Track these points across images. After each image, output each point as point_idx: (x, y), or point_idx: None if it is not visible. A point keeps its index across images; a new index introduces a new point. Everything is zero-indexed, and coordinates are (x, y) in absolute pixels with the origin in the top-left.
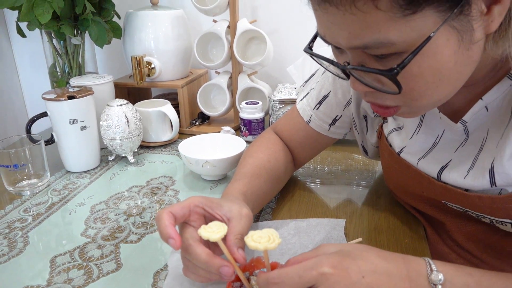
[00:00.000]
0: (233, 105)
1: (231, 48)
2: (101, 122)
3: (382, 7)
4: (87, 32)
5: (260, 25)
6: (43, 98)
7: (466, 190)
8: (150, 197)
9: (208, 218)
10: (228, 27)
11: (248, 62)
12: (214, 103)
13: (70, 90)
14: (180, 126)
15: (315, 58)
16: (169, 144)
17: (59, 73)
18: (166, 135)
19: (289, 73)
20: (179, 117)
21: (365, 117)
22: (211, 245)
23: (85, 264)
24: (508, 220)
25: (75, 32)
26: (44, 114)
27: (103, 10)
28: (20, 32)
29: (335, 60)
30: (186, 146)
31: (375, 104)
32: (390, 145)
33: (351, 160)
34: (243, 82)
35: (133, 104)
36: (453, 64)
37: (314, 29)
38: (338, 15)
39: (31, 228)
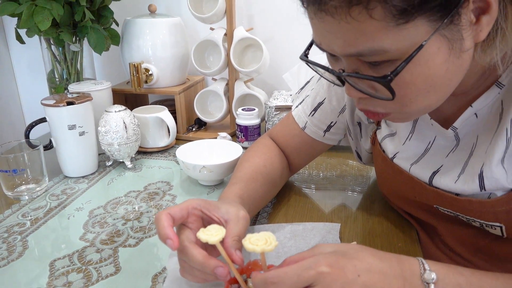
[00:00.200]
0: (229, 111)
1: (228, 55)
2: (99, 128)
3: (376, 16)
4: (85, 38)
5: (256, 33)
6: (42, 104)
7: (457, 194)
8: (148, 202)
9: (206, 220)
10: (225, 34)
11: (244, 69)
12: (210, 109)
13: (69, 96)
14: (177, 132)
15: (310, 65)
16: (166, 150)
17: (57, 79)
18: (163, 141)
19: (285, 80)
20: (176, 123)
21: (359, 124)
22: (208, 247)
23: (84, 267)
24: (497, 224)
25: (74, 39)
26: (43, 120)
27: (102, 18)
28: (19, 38)
29: (330, 67)
30: (184, 152)
31: (367, 110)
32: (384, 151)
33: (345, 166)
34: (240, 88)
35: (131, 110)
36: (444, 72)
37: (310, 37)
38: (334, 23)
39: (30, 233)
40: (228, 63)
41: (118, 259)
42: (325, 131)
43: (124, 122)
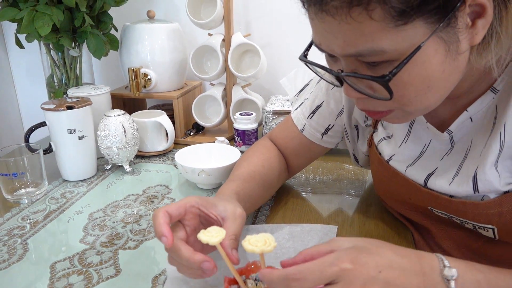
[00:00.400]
0: (227, 116)
1: (225, 60)
2: (98, 132)
3: (376, 17)
4: (84, 43)
5: (254, 39)
6: (42, 108)
7: (451, 196)
8: (147, 205)
9: (203, 218)
10: (223, 40)
11: (242, 74)
12: (208, 114)
13: (68, 100)
14: (175, 136)
15: (309, 65)
16: (164, 154)
17: (56, 84)
18: (161, 145)
19: (282, 85)
20: (174, 127)
21: (356, 127)
22: (204, 246)
23: (84, 269)
24: (490, 226)
25: (74, 44)
26: (42, 124)
27: (101, 23)
28: (18, 43)
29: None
30: (182, 156)
31: (367, 110)
32: (380, 154)
33: (342, 170)
34: (237, 93)
35: (129, 114)
36: (440, 73)
37: (306, 43)
38: (334, 24)
39: (30, 235)
40: (226, 68)
41: (118, 261)
42: (323, 134)
43: (123, 127)
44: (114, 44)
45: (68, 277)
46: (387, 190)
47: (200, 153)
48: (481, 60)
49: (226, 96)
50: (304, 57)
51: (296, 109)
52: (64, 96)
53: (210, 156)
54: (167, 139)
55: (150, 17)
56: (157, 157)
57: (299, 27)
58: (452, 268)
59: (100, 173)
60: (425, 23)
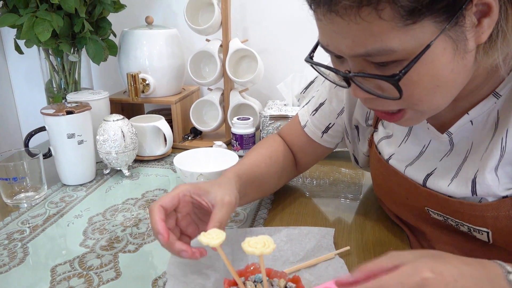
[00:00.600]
0: (224, 120)
1: (223, 66)
2: (97, 137)
3: (385, 17)
4: (83, 49)
5: (251, 45)
6: (42, 113)
7: (449, 197)
8: (146, 209)
9: (195, 204)
10: (221, 46)
11: (239, 79)
12: (206, 118)
13: (68, 105)
14: (173, 141)
15: (315, 67)
16: (162, 158)
17: (55, 89)
18: (160, 150)
19: (279, 90)
20: (172, 132)
21: (357, 127)
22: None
23: (85, 273)
24: (485, 229)
25: (73, 49)
26: (42, 129)
27: (100, 29)
28: (18, 49)
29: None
30: (181, 160)
31: (379, 111)
32: (380, 153)
33: (338, 174)
34: (235, 98)
35: (128, 119)
36: (449, 72)
37: (303, 49)
38: (343, 24)
39: (30, 239)
40: (223, 73)
41: (119, 264)
42: (323, 132)
43: (122, 131)
44: (113, 49)
45: (69, 280)
46: (385, 190)
47: (198, 157)
48: (488, 58)
49: (224, 101)
50: (310, 58)
51: (303, 107)
52: (63, 101)
53: (208, 160)
54: (165, 143)
55: (149, 23)
56: (155, 161)
57: (296, 33)
58: None
59: (99, 178)
60: (434, 22)
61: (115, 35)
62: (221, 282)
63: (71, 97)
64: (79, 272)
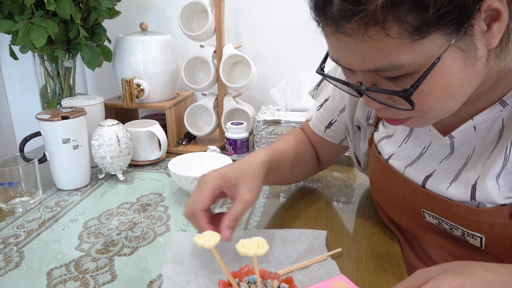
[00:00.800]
0: (218, 125)
1: (217, 71)
2: (92, 142)
3: (392, 34)
4: (78, 55)
5: (244, 50)
6: (37, 118)
7: (448, 199)
8: (141, 213)
9: (225, 195)
10: (215, 52)
11: (233, 84)
12: (200, 123)
13: (63, 110)
14: (167, 146)
15: (327, 79)
16: (157, 163)
17: (50, 94)
18: (154, 154)
19: (272, 96)
20: (166, 136)
21: (358, 127)
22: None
23: (81, 276)
24: (479, 234)
25: (68, 55)
26: (37, 134)
27: (95, 35)
28: (12, 55)
29: (347, 81)
30: (175, 164)
31: (388, 118)
32: (379, 153)
33: (330, 177)
34: (228, 103)
35: (122, 124)
36: (459, 80)
37: (295, 55)
38: (351, 42)
39: (26, 243)
40: (217, 79)
41: (114, 268)
42: (326, 127)
43: (117, 136)
44: (108, 55)
45: (65, 283)
46: (382, 190)
47: (192, 162)
48: (500, 62)
49: (218, 106)
50: (321, 70)
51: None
52: (58, 106)
53: (203, 165)
54: (160, 148)
55: (143, 29)
56: (150, 166)
57: (289, 39)
58: None
59: (94, 182)
60: (442, 35)
61: (109, 41)
62: (216, 283)
63: (66, 102)
64: (75, 275)
